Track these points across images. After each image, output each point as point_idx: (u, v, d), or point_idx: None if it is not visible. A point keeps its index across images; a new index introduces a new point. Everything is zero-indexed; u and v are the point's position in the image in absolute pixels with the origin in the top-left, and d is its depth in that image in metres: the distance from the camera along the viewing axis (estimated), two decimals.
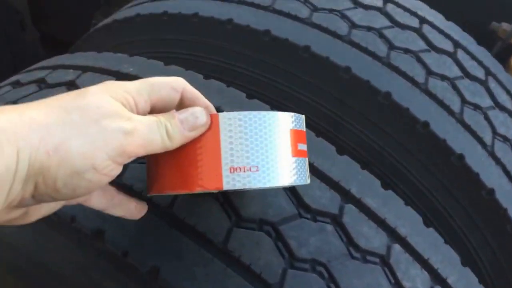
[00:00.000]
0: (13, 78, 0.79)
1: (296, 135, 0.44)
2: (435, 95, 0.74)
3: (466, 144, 0.74)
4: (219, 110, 0.61)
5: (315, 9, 0.77)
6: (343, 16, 0.77)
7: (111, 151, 0.36)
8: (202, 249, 0.50)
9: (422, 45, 0.80)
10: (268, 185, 0.41)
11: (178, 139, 0.40)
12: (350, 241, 0.55)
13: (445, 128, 0.73)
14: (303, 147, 0.45)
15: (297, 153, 0.44)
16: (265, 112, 0.42)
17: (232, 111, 0.62)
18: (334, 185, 0.58)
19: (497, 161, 0.74)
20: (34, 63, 0.85)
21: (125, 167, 0.55)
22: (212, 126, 0.41)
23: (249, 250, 0.51)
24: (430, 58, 0.78)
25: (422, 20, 0.86)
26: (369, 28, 0.77)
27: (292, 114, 0.44)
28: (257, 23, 0.74)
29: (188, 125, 0.40)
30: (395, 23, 0.81)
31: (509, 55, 1.23)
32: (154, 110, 0.43)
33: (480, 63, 0.87)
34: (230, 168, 0.41)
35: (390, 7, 0.83)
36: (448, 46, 0.85)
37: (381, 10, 0.82)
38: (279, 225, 0.53)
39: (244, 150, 0.41)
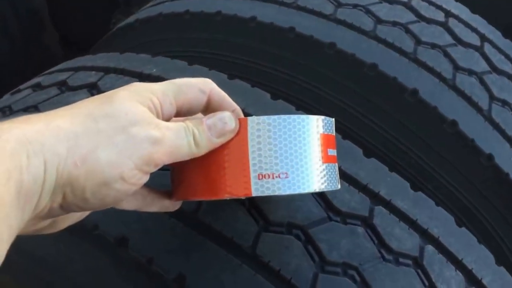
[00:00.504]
0: (34, 81, 0.78)
1: (326, 140, 0.42)
2: (463, 91, 0.72)
3: (495, 143, 0.72)
4: (243, 111, 0.60)
5: (339, 5, 0.76)
6: (368, 12, 0.75)
7: (138, 160, 0.35)
8: (230, 254, 0.49)
9: (448, 39, 0.77)
10: (297, 191, 0.40)
11: (205, 146, 0.39)
12: (381, 243, 0.54)
13: (473, 127, 0.71)
14: (333, 152, 0.44)
15: (327, 158, 0.42)
16: (295, 116, 0.41)
17: (257, 112, 0.62)
18: (363, 188, 0.57)
19: None
20: (54, 64, 0.84)
21: None
22: (240, 131, 0.40)
23: (278, 255, 0.50)
24: (457, 53, 0.76)
25: (448, 14, 0.83)
26: (394, 23, 0.75)
27: (322, 117, 0.43)
28: (281, 20, 0.73)
29: (216, 131, 0.39)
30: (420, 17, 0.78)
31: None
32: (179, 112, 0.41)
33: (507, 56, 0.85)
34: (259, 175, 0.39)
35: (415, 1, 0.81)
36: (474, 39, 0.83)
37: (406, 5, 0.79)
38: (308, 228, 0.52)
39: (273, 156, 0.39)
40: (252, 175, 0.39)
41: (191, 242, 0.50)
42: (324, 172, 0.42)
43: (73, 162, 0.33)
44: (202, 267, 0.48)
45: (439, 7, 0.83)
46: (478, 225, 0.72)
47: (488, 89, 0.76)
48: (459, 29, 0.80)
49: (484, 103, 0.73)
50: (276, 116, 0.40)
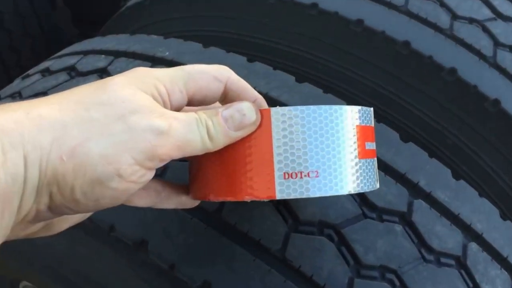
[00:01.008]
0: (43, 65, 0.74)
1: (363, 133, 0.37)
2: (505, 69, 0.66)
3: None
4: (266, 96, 0.55)
5: None
6: None
7: (139, 154, 0.30)
8: (258, 259, 0.45)
9: (487, 13, 0.71)
10: (329, 193, 0.35)
11: (221, 140, 0.34)
12: (422, 243, 0.49)
13: None
14: (371, 146, 0.38)
15: (364, 154, 0.37)
16: (326, 106, 0.35)
17: (281, 96, 0.56)
18: (401, 178, 0.52)
19: None
20: (67, 43, 0.80)
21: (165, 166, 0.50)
22: (263, 123, 0.35)
23: (310, 259, 0.45)
24: (497, 28, 0.69)
25: None
26: None
27: (359, 107, 0.37)
28: None
29: (233, 124, 0.34)
30: None
31: None
32: (192, 104, 0.37)
33: None
34: (284, 174, 0.34)
35: None
36: None
37: None
38: (341, 227, 0.47)
39: (302, 152, 0.34)
40: (277, 174, 0.34)
41: (216, 245, 0.46)
42: (361, 170, 0.37)
43: (58, 156, 0.29)
44: (229, 274, 0.44)
45: None
46: None
47: None
48: (498, 1, 0.73)
49: None
50: (304, 107, 0.35)
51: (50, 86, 0.65)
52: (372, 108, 0.40)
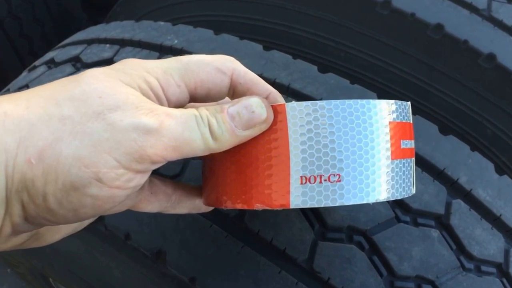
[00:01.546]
0: (48, 56, 0.70)
1: (398, 130, 0.32)
2: None
3: None
4: (288, 88, 0.50)
5: None
6: None
7: (122, 155, 0.26)
8: (283, 271, 0.41)
9: None
10: (352, 201, 0.30)
11: (226, 140, 0.30)
12: (460, 249, 0.45)
13: None
14: (408, 144, 0.33)
15: (398, 153, 0.32)
16: (351, 101, 0.30)
17: (305, 88, 0.52)
18: (439, 175, 0.47)
19: None
20: (76, 29, 0.76)
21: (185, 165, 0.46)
22: (278, 120, 0.31)
23: (339, 270, 0.41)
24: None
25: None
26: None
27: (393, 101, 0.32)
28: None
29: (241, 122, 0.30)
30: None
31: None
32: (196, 99, 0.33)
33: None
34: (302, 178, 0.30)
35: None
36: None
37: None
38: (372, 233, 0.43)
39: (322, 153, 0.30)
40: (293, 177, 0.30)
41: (238, 256, 0.42)
42: (393, 173, 0.32)
43: (26, 159, 0.25)
44: (253, 287, 0.40)
45: None
46: None
47: None
48: None
49: None
50: (324, 101, 0.30)
51: (57, 79, 0.61)
52: (409, 103, 0.35)
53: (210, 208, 0.39)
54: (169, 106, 0.31)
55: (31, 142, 0.25)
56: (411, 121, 0.35)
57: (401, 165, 0.33)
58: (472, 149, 0.50)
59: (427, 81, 0.58)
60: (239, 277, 0.40)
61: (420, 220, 0.45)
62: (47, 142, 0.26)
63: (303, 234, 0.42)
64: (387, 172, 0.31)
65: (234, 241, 0.42)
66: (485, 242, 0.46)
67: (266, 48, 0.56)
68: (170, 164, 0.46)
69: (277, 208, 0.31)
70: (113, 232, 0.44)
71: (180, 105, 0.32)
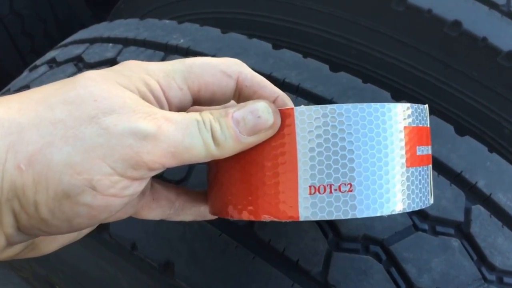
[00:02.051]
0: (50, 55, 0.69)
1: (414, 135, 0.30)
2: None
3: None
4: (297, 89, 0.48)
5: None
6: None
7: (117, 162, 0.25)
8: (296, 283, 0.39)
9: None
10: (365, 214, 0.28)
11: (230, 147, 0.28)
12: (482, 259, 0.43)
13: None
14: (424, 150, 0.31)
15: (414, 161, 0.30)
16: (364, 104, 0.29)
17: (316, 88, 0.50)
18: (456, 178, 0.45)
19: None
20: (80, 25, 0.74)
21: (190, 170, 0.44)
22: (286, 125, 0.29)
23: (355, 283, 0.39)
24: None
25: None
26: None
27: (409, 105, 0.30)
28: None
29: (246, 128, 0.28)
30: None
31: None
32: (200, 103, 0.31)
33: None
34: (310, 188, 0.28)
35: None
36: None
37: None
38: (389, 243, 0.41)
39: (332, 160, 0.28)
40: (301, 187, 0.28)
41: (249, 267, 0.40)
42: (408, 182, 0.30)
43: (15, 165, 0.24)
44: None
45: None
46: None
47: None
48: None
49: None
50: (335, 105, 0.28)
51: (59, 80, 0.60)
52: (426, 106, 0.33)
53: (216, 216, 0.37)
54: (171, 109, 0.30)
55: (20, 147, 0.24)
56: (428, 125, 0.33)
57: (417, 173, 0.30)
58: (490, 150, 0.48)
59: (443, 80, 0.56)
60: None
61: (439, 228, 0.43)
62: (37, 147, 0.24)
63: (317, 244, 0.40)
64: (402, 181, 0.29)
65: (245, 252, 0.40)
66: (508, 251, 0.43)
67: (276, 46, 0.54)
68: (174, 168, 0.45)
69: (285, 220, 0.29)
70: (118, 242, 0.42)
71: (182, 109, 0.31)
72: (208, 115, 0.28)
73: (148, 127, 0.26)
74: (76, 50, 0.63)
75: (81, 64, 0.60)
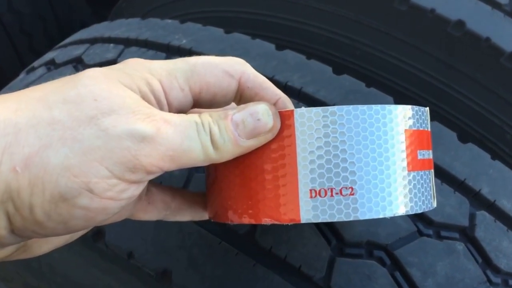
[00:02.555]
0: (48, 56, 0.68)
1: (415, 139, 0.30)
2: None
3: None
4: (299, 92, 0.48)
5: None
6: None
7: (115, 165, 0.25)
8: None
9: None
10: (368, 216, 0.28)
11: (228, 150, 0.28)
12: (487, 263, 0.43)
13: None
14: (426, 154, 0.31)
15: (416, 165, 0.30)
16: (365, 106, 0.28)
17: (318, 92, 0.49)
18: (460, 186, 0.45)
19: None
20: (79, 23, 0.73)
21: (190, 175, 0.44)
22: (285, 127, 0.28)
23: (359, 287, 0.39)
24: None
25: None
26: None
27: (409, 107, 0.30)
28: None
29: (245, 131, 0.28)
30: None
31: None
32: (199, 105, 0.31)
33: None
34: (311, 191, 0.28)
35: None
36: None
37: None
38: (394, 248, 0.41)
39: (333, 164, 0.28)
40: (302, 191, 0.28)
41: (250, 275, 0.39)
42: (410, 186, 0.29)
43: (11, 167, 0.23)
44: None
45: None
46: None
47: None
48: None
49: None
50: (336, 107, 0.28)
51: None
52: (427, 108, 0.32)
53: None
54: (170, 111, 0.29)
55: (16, 149, 0.24)
56: (429, 129, 0.32)
57: (419, 177, 0.30)
58: (493, 158, 0.47)
59: (446, 81, 0.55)
60: None
61: (443, 233, 0.43)
62: (34, 149, 0.24)
63: (319, 250, 0.40)
64: (404, 184, 0.29)
65: (245, 259, 0.40)
66: None
67: (279, 47, 0.53)
68: (173, 178, 0.44)
69: (287, 223, 0.29)
70: (114, 251, 0.42)
71: (182, 110, 0.30)
72: (207, 117, 0.28)
73: (147, 129, 0.25)
74: (76, 51, 0.62)
75: (80, 66, 0.60)
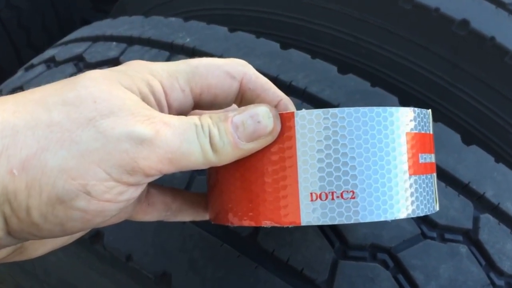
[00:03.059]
0: (48, 53, 0.67)
1: (417, 142, 0.30)
2: None
3: None
4: (303, 92, 0.47)
5: None
6: None
7: (113, 167, 0.24)
8: None
9: None
10: (370, 218, 0.28)
11: (228, 153, 0.27)
12: (490, 265, 0.42)
13: None
14: (428, 158, 0.31)
15: (417, 169, 0.29)
16: (367, 108, 0.28)
17: (323, 92, 0.49)
18: (464, 189, 0.45)
19: None
20: (80, 19, 0.72)
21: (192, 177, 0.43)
22: (286, 129, 0.28)
23: None
24: None
25: None
26: None
27: (411, 109, 0.30)
28: None
29: (245, 134, 0.27)
30: None
31: None
32: (200, 106, 0.31)
33: None
34: (312, 195, 0.28)
35: None
36: None
37: None
38: (397, 251, 0.41)
39: (333, 167, 0.27)
40: (302, 194, 0.28)
41: (251, 277, 0.39)
42: (412, 190, 0.29)
43: (8, 170, 0.23)
44: None
45: None
46: None
47: None
48: None
49: None
50: (337, 109, 0.28)
51: (56, 81, 0.58)
52: (429, 111, 0.32)
53: None
54: (170, 112, 0.29)
55: (14, 151, 0.23)
56: (432, 132, 0.32)
57: (421, 181, 0.30)
58: (497, 160, 0.47)
59: (450, 81, 0.55)
60: None
61: (447, 236, 0.43)
62: (32, 152, 0.24)
63: (322, 253, 0.40)
64: (406, 188, 0.29)
65: (247, 262, 0.39)
66: None
67: (284, 46, 0.53)
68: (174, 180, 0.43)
69: (287, 225, 0.29)
70: (113, 253, 0.41)
71: (182, 112, 0.30)
72: (207, 119, 0.27)
73: (146, 131, 0.25)
74: (77, 49, 0.62)
75: (81, 64, 0.59)
